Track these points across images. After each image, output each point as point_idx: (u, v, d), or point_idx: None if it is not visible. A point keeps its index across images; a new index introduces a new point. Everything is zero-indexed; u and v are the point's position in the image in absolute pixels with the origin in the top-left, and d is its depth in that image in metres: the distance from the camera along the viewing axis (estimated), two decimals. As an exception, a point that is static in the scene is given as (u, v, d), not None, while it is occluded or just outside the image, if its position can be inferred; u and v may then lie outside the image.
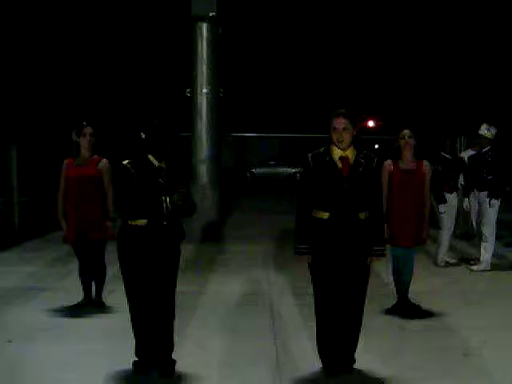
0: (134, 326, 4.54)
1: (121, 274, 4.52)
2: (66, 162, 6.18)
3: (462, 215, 9.82)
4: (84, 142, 6.07)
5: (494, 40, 26.14)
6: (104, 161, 6.16)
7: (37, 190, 13.81)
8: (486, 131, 8.03)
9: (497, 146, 8.06)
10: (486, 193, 7.94)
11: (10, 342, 5.23)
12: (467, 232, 10.03)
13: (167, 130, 4.40)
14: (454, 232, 8.85)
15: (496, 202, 7.91)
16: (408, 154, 6.03)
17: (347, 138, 4.39)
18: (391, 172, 6.02)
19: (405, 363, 4.77)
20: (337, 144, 4.41)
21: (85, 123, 6.14)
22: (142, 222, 4.36)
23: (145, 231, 4.36)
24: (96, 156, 6.16)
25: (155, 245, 4.39)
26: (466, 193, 8.60)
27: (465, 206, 8.73)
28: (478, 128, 8.12)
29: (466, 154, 9.31)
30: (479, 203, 8.13)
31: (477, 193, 8.15)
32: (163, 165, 4.45)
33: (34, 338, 5.33)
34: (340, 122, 4.38)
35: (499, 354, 4.97)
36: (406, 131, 6.02)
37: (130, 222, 4.39)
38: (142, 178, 4.34)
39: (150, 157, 4.43)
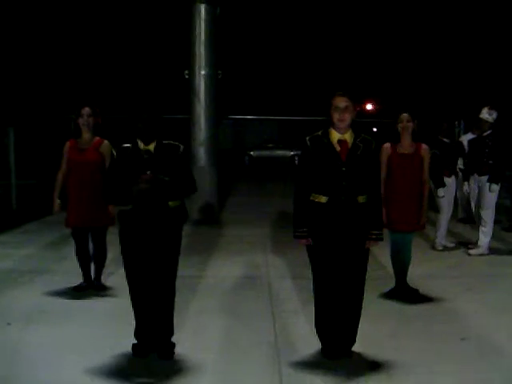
0: (134, 309, 4.55)
1: (122, 256, 4.52)
2: (67, 143, 6.10)
3: (461, 200, 9.79)
4: (82, 123, 5.99)
5: (495, 23, 25.99)
6: (105, 143, 6.02)
7: (36, 173, 13.82)
8: (487, 115, 7.97)
9: (497, 130, 8.02)
10: (486, 177, 7.92)
11: (8, 324, 5.22)
12: (468, 216, 10.00)
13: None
14: (455, 216, 8.82)
15: (496, 187, 7.88)
16: (407, 138, 5.99)
17: (348, 117, 4.36)
18: (390, 155, 5.98)
19: (403, 347, 4.78)
20: (337, 124, 4.38)
21: (82, 104, 6.05)
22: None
23: (136, 214, 4.38)
24: (98, 138, 6.05)
25: (156, 227, 4.38)
26: (465, 177, 8.57)
27: (464, 190, 8.71)
28: (479, 112, 8.07)
29: (466, 138, 9.27)
30: (479, 187, 8.11)
31: (477, 177, 8.13)
32: (150, 148, 4.44)
33: (33, 320, 5.33)
34: (342, 101, 4.35)
35: (497, 338, 4.98)
36: (405, 115, 5.97)
37: (128, 207, 4.40)
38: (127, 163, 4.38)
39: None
